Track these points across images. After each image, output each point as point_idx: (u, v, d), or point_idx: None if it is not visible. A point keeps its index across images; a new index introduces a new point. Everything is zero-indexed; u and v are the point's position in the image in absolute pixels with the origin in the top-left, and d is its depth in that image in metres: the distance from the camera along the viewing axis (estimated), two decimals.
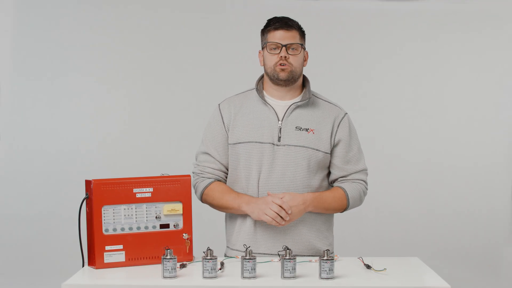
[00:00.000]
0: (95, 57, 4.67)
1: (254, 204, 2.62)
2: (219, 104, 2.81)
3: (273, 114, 2.71)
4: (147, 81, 4.69)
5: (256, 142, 2.69)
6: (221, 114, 2.77)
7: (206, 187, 2.75)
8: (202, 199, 2.79)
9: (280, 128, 2.70)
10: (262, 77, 2.80)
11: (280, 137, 2.69)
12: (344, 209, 2.75)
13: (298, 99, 2.74)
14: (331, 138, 2.72)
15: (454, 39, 4.67)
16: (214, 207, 2.79)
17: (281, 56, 2.65)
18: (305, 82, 2.78)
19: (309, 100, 2.74)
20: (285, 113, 2.71)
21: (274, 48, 2.67)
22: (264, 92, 2.76)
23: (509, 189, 4.66)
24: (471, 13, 4.65)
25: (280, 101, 2.74)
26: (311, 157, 2.68)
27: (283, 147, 2.68)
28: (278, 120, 2.70)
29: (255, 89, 2.76)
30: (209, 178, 2.77)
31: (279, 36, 2.66)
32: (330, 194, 2.71)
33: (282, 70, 2.66)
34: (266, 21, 2.74)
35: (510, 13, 4.65)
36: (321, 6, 4.67)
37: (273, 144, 2.68)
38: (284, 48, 2.65)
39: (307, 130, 2.70)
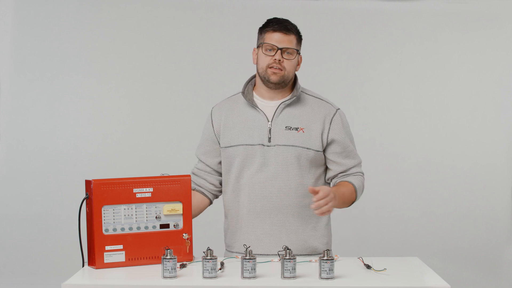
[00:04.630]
0: (95, 57, 4.67)
1: None
2: (212, 108, 2.83)
3: (262, 116, 2.71)
4: (147, 81, 4.69)
5: (246, 144, 2.69)
6: (211, 119, 2.80)
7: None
8: None
9: (270, 129, 2.70)
10: (251, 78, 2.80)
11: (270, 137, 2.69)
12: (351, 203, 2.75)
13: (287, 98, 2.74)
14: (322, 136, 2.71)
15: (454, 39, 4.67)
16: None
17: (275, 59, 2.65)
18: (295, 80, 2.77)
19: (298, 98, 2.73)
20: (275, 113, 2.71)
21: (270, 50, 2.67)
22: (254, 93, 2.76)
23: (509, 189, 4.66)
24: (471, 13, 4.64)
25: (270, 101, 2.73)
26: (301, 155, 2.68)
27: (274, 148, 2.68)
28: (268, 121, 2.70)
29: (241, 93, 2.76)
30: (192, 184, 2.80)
31: (276, 38, 2.66)
32: (344, 189, 2.68)
33: (274, 73, 2.66)
34: (266, 21, 2.73)
35: (510, 13, 4.65)
36: (321, 6, 4.67)
37: (263, 145, 2.68)
38: (279, 51, 2.65)
39: (297, 129, 2.70)
